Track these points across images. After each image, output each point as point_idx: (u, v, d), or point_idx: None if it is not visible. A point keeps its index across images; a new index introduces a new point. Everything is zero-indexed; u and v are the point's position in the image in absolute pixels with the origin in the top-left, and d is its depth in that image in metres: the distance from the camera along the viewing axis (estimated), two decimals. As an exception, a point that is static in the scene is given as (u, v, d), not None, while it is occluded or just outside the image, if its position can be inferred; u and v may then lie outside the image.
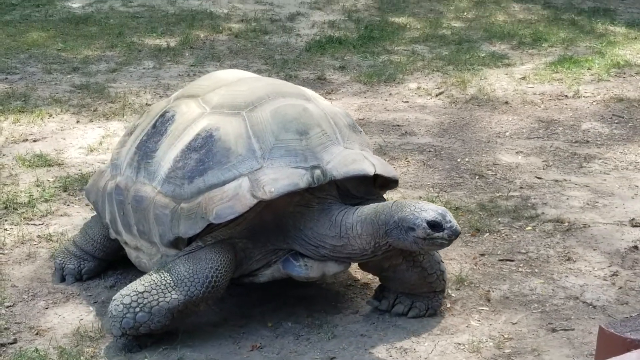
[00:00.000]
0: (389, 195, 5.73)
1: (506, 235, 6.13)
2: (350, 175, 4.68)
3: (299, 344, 4.82)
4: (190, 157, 4.67)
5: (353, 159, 4.69)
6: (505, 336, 4.84)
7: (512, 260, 5.75)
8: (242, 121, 4.68)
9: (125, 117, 8.79)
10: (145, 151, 4.91)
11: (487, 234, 6.13)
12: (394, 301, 5.01)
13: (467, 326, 4.95)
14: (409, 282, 4.85)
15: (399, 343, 4.76)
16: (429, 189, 6.97)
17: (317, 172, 4.60)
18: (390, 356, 4.62)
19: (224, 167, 4.61)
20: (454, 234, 4.33)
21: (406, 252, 4.69)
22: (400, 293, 4.99)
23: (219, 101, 4.86)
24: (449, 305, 5.12)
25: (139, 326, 4.50)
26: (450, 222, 4.31)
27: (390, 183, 5.07)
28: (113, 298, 4.56)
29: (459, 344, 4.77)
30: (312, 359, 4.61)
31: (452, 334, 4.87)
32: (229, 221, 4.55)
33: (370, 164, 4.72)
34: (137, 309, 4.48)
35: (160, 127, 4.93)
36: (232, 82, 5.08)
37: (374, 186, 5.01)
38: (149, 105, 8.99)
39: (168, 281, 4.50)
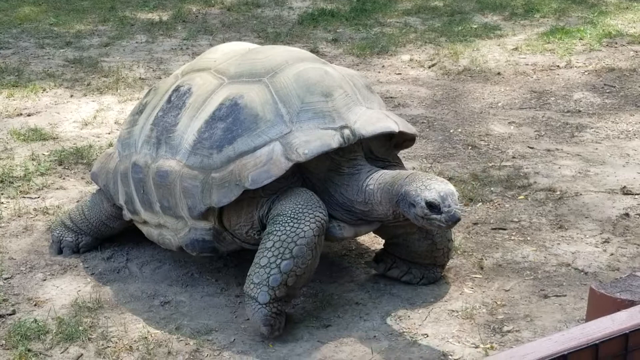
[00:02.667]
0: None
1: (499, 204, 6.12)
2: (377, 133, 4.69)
3: (294, 312, 4.82)
4: (216, 127, 4.63)
5: (377, 117, 4.72)
6: (498, 303, 4.85)
7: (504, 229, 5.75)
8: (265, 87, 4.66)
9: (118, 91, 8.79)
10: (164, 126, 4.86)
11: (480, 203, 6.12)
12: (391, 265, 5.04)
13: (460, 293, 4.97)
14: (416, 252, 4.88)
15: (393, 311, 4.78)
16: (422, 159, 6.94)
17: (347, 131, 4.60)
18: (385, 323, 4.64)
19: (254, 133, 4.59)
20: (451, 220, 4.26)
21: None
22: (399, 259, 5.02)
23: (237, 70, 4.84)
24: (442, 274, 5.12)
25: (287, 278, 4.38)
26: (450, 206, 4.23)
27: (405, 142, 5.09)
28: (245, 287, 4.52)
29: (453, 310, 4.79)
30: (307, 327, 4.63)
31: (445, 301, 4.88)
32: (263, 187, 4.54)
33: (393, 122, 4.75)
34: (279, 261, 4.39)
35: (176, 101, 4.88)
36: (243, 52, 5.05)
37: (391, 147, 5.03)
38: (143, 79, 9.00)
39: (288, 222, 4.45)
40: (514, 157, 6.95)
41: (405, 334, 4.57)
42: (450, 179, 6.37)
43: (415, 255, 4.91)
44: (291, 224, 4.40)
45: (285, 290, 4.39)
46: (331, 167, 4.69)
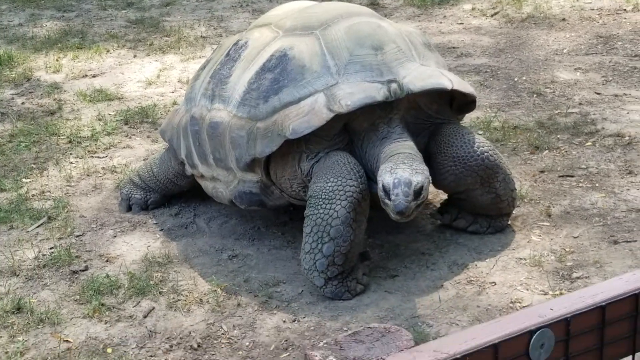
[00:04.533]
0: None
1: (565, 151, 6.01)
2: (427, 88, 4.55)
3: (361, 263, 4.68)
4: (264, 78, 4.61)
5: (429, 74, 4.59)
6: (567, 250, 4.78)
7: (572, 176, 5.63)
8: (316, 39, 4.62)
9: (180, 49, 8.82)
10: (219, 78, 4.86)
11: (547, 151, 6.01)
12: (457, 216, 4.97)
13: (528, 241, 4.88)
14: (480, 205, 4.80)
15: (460, 259, 4.74)
16: (486, 109, 6.81)
17: (394, 85, 4.49)
18: (452, 272, 4.61)
19: (299, 84, 4.55)
20: (394, 210, 4.12)
21: (484, 178, 4.65)
22: (465, 210, 4.95)
23: (292, 24, 4.82)
24: (509, 222, 5.02)
25: (333, 259, 4.31)
26: (397, 195, 4.09)
27: (468, 105, 4.94)
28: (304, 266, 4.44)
29: (520, 258, 4.72)
30: (374, 278, 4.61)
31: (513, 249, 4.80)
32: (304, 137, 4.49)
33: (447, 80, 4.60)
34: (320, 245, 4.32)
35: (233, 54, 4.90)
36: (304, 8, 5.06)
37: (450, 108, 4.90)
38: (204, 37, 9.04)
39: (321, 204, 4.33)
40: (580, 104, 6.78)
41: (473, 282, 4.53)
42: (515, 128, 6.29)
43: (480, 209, 4.84)
44: (323, 205, 4.31)
45: (338, 268, 4.33)
46: (372, 125, 4.59)
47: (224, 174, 4.84)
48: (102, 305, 4.50)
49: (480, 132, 6.22)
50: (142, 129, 6.85)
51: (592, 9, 9.39)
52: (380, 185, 4.15)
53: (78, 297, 4.61)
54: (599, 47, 8.13)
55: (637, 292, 1.88)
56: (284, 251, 5.00)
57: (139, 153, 6.41)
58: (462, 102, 4.92)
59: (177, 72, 8.09)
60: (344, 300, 4.37)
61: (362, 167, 4.47)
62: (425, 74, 4.56)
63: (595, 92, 7.03)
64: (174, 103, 7.09)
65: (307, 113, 4.42)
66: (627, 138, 6.14)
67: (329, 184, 4.33)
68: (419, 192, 4.10)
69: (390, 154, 4.35)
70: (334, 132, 4.56)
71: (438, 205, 5.20)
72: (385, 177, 4.15)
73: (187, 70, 8.03)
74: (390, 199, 4.11)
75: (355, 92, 4.43)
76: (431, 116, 4.78)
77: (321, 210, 4.29)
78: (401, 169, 4.15)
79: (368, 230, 4.79)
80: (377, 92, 4.44)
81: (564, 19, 9.10)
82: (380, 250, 4.93)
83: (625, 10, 9.30)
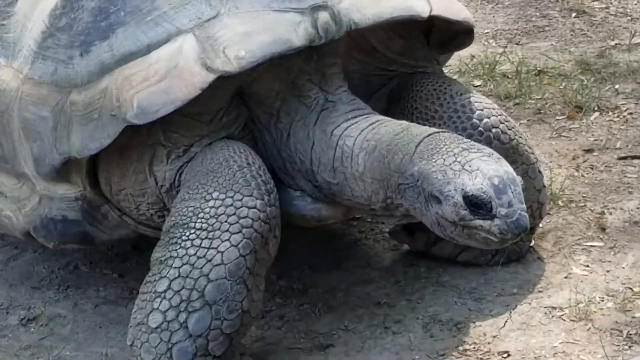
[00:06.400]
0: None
1: (630, 114, 5.01)
2: (384, 19, 3.61)
3: (270, 323, 3.84)
4: (80, 7, 3.71)
5: None
6: (635, 289, 3.84)
7: None
8: None
9: None
10: None
11: (597, 113, 5.01)
12: (437, 236, 3.90)
13: (566, 276, 3.93)
14: None
15: (445, 313, 3.80)
16: (489, 40, 5.83)
17: (324, 15, 3.54)
18: (431, 337, 3.68)
19: (147, 18, 3.61)
20: (514, 230, 3.25)
21: None
22: None
23: None
24: (532, 243, 4.07)
25: (205, 343, 3.39)
26: (512, 205, 3.28)
27: (458, 37, 4.06)
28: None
29: (554, 307, 3.77)
30: (290, 351, 3.69)
31: (539, 291, 3.87)
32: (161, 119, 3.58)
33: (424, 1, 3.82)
34: (183, 315, 3.39)
35: None
36: None
37: (427, 43, 4.06)
38: None
39: (192, 240, 3.46)
40: None
41: (469, 354, 3.65)
42: (539, 73, 5.28)
43: None
44: (196, 242, 3.41)
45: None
46: (293, 88, 3.72)
47: (12, 185, 3.94)
48: None
49: (478, 85, 5.43)
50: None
51: None
52: (458, 199, 3.28)
53: None
54: None
55: None
56: (123, 308, 3.95)
57: None
58: (446, 33, 4.01)
59: None
60: None
61: (274, 171, 3.69)
62: None
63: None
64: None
65: (166, 74, 3.51)
66: None
67: (209, 204, 3.47)
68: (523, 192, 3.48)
69: (401, 135, 3.49)
70: (218, 107, 3.63)
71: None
72: (465, 180, 3.28)
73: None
74: (492, 216, 3.28)
75: (252, 32, 3.53)
76: (392, 61, 3.94)
77: (191, 251, 3.38)
78: (478, 158, 3.35)
79: (278, 263, 3.69)
80: (292, 31, 3.55)
81: None
82: (303, 298, 3.95)
83: None
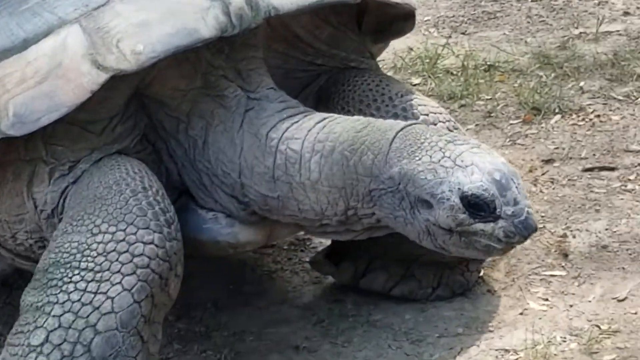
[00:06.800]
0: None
1: (598, 115, 4.71)
2: (309, 3, 3.31)
3: None
4: None
5: None
6: (604, 327, 3.54)
7: (611, 169, 4.37)
8: None
9: None
10: None
11: (558, 116, 4.68)
12: (367, 265, 3.69)
13: (521, 313, 3.63)
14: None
15: None
16: (430, 29, 5.58)
17: (237, 1, 3.31)
18: None
19: (22, 7, 3.36)
20: (522, 232, 2.97)
21: None
22: (386, 254, 3.71)
23: None
24: (481, 273, 3.76)
25: None
26: (517, 202, 3.00)
27: (396, 22, 3.80)
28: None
29: (505, 350, 3.46)
30: None
31: (490, 331, 3.54)
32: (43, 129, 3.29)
33: None
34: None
35: None
36: None
37: (359, 29, 3.78)
38: None
39: (75, 282, 3.12)
40: (626, 13, 5.56)
41: None
42: (489, 68, 5.06)
43: (420, 250, 3.46)
44: (80, 285, 3.07)
45: None
46: (205, 86, 3.39)
47: None
48: None
49: (417, 83, 5.13)
50: None
51: None
52: (456, 201, 2.96)
53: None
54: None
55: None
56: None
57: None
58: (382, 18, 3.74)
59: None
60: None
61: (186, 188, 3.38)
62: None
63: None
64: None
65: (47, 75, 3.21)
66: None
67: (97, 239, 3.12)
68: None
69: (365, 130, 3.17)
70: (112, 113, 3.29)
71: (322, 244, 4.02)
72: (461, 178, 2.98)
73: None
74: (497, 217, 2.96)
75: (152, 21, 3.17)
76: (320, 53, 3.66)
77: (75, 296, 3.04)
78: (470, 151, 3.06)
79: (177, 301, 3.30)
80: (201, 19, 3.19)
81: None
82: (205, 345, 3.54)
83: None
